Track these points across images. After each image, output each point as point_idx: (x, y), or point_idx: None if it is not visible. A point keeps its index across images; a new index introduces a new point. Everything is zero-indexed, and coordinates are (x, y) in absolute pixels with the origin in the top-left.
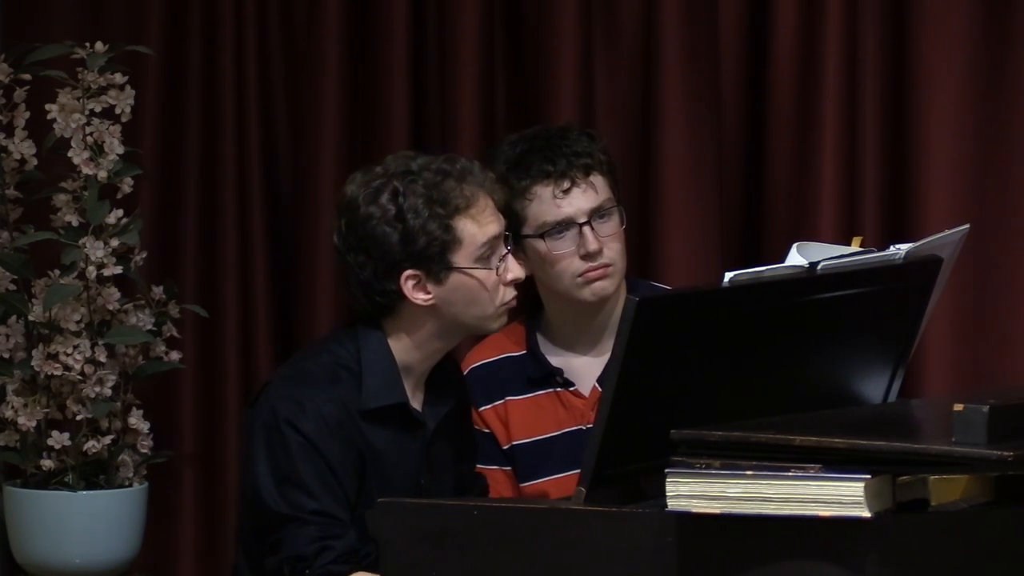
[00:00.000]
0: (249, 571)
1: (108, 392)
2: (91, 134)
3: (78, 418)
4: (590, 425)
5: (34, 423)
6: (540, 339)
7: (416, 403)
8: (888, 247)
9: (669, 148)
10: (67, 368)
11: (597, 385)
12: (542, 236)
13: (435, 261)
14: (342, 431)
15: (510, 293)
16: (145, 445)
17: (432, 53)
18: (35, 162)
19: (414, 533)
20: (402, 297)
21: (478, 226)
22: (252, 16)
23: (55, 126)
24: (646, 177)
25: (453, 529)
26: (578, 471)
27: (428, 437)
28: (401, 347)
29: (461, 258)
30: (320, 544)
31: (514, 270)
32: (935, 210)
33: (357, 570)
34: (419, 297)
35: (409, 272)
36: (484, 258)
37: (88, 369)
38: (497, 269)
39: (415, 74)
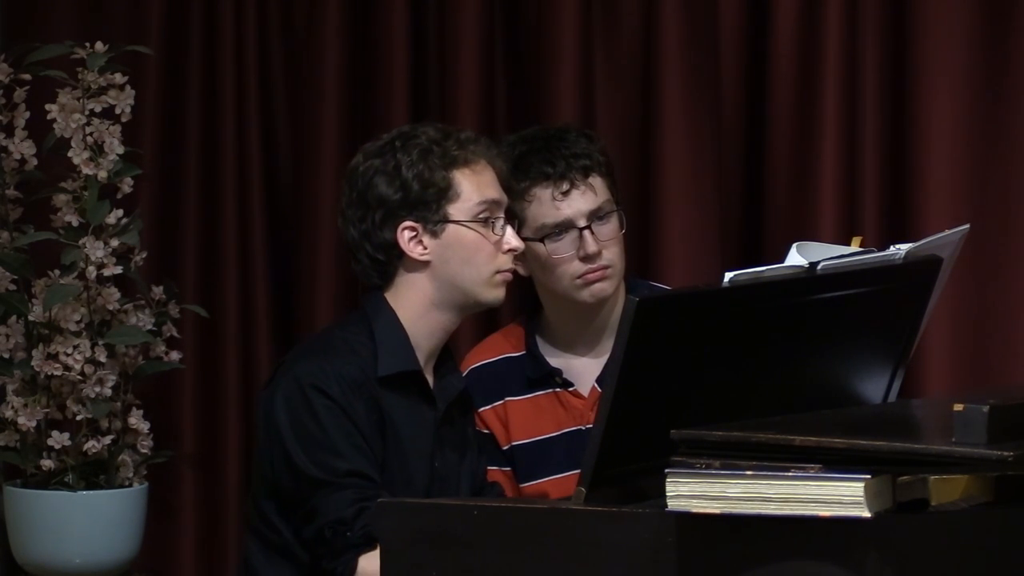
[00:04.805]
0: (266, 561)
1: (108, 392)
2: (91, 134)
3: (78, 418)
4: (590, 425)
5: (34, 423)
6: (539, 340)
7: (428, 379)
8: (888, 247)
9: (669, 148)
10: (67, 368)
11: (596, 385)
12: (542, 239)
13: (431, 211)
14: (363, 391)
15: (507, 262)
16: (145, 445)
17: (432, 53)
18: (35, 162)
19: (414, 533)
20: (400, 254)
21: (476, 184)
22: (252, 16)
23: (55, 126)
24: (646, 177)
25: (453, 529)
26: (578, 471)
27: (439, 416)
28: (404, 317)
29: (458, 212)
30: (358, 506)
31: (512, 241)
32: (935, 210)
33: None
34: (416, 251)
35: (406, 223)
36: (482, 219)
37: (88, 369)
38: (493, 228)
39: (415, 74)
